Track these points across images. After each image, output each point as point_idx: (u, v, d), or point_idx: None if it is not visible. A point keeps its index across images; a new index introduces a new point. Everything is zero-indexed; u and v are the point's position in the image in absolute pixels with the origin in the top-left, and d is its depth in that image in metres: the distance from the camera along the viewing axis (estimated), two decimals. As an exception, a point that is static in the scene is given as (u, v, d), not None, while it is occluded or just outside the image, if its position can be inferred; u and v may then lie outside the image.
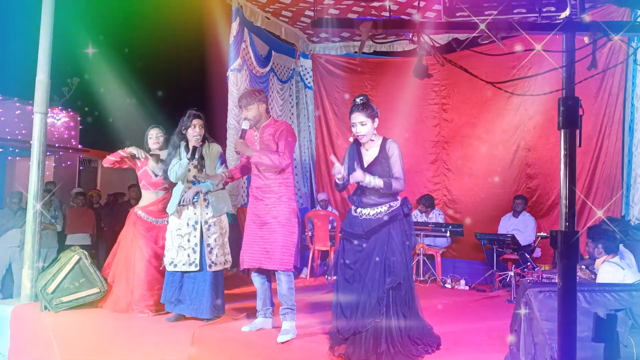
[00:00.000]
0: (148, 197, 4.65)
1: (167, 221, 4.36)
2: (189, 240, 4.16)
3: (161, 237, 4.51)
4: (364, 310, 3.35)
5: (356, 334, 3.33)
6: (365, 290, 3.38)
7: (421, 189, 7.79)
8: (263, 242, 3.80)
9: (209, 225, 4.19)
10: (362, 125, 3.51)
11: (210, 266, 4.13)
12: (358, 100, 3.53)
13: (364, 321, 3.31)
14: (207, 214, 4.19)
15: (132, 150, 4.59)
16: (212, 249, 4.16)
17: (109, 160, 4.66)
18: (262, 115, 3.91)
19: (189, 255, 4.15)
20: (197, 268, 4.13)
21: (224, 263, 4.26)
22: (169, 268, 4.20)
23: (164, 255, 4.31)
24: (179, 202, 4.16)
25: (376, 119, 3.55)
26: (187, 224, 4.18)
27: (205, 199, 4.19)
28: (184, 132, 4.21)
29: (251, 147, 3.85)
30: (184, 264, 4.15)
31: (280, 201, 3.82)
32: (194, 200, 4.18)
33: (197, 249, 4.15)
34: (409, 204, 3.60)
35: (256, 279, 3.99)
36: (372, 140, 3.57)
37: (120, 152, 4.59)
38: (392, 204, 3.52)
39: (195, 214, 4.19)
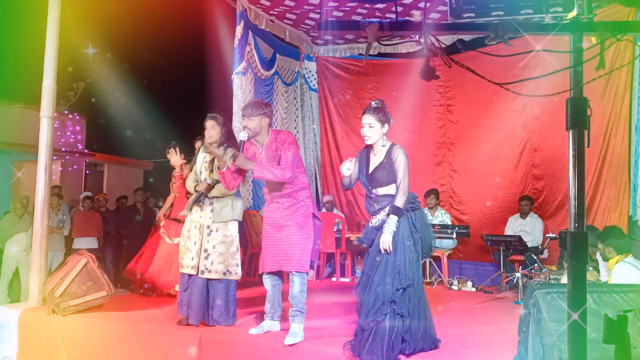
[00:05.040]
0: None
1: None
2: (194, 243, 4.14)
3: None
4: (368, 311, 3.38)
5: (363, 331, 3.37)
6: (371, 292, 3.40)
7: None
8: (282, 245, 3.79)
9: (211, 230, 4.12)
10: (370, 127, 3.50)
11: (202, 272, 4.05)
12: (373, 103, 3.55)
13: (367, 320, 3.35)
14: (209, 218, 4.14)
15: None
16: (208, 254, 4.07)
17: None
18: (262, 128, 3.84)
19: (192, 259, 4.12)
20: (195, 272, 4.09)
21: (225, 273, 4.09)
22: (180, 269, 4.22)
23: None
24: (192, 203, 4.20)
25: (386, 125, 3.54)
26: (194, 227, 4.17)
27: (210, 203, 4.14)
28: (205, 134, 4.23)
29: (252, 161, 3.80)
30: (187, 266, 4.14)
31: (298, 204, 3.82)
32: (200, 203, 4.14)
33: (199, 252, 4.10)
34: (414, 200, 3.56)
35: (267, 280, 3.96)
36: (383, 146, 3.55)
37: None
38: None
39: (200, 217, 4.16)
